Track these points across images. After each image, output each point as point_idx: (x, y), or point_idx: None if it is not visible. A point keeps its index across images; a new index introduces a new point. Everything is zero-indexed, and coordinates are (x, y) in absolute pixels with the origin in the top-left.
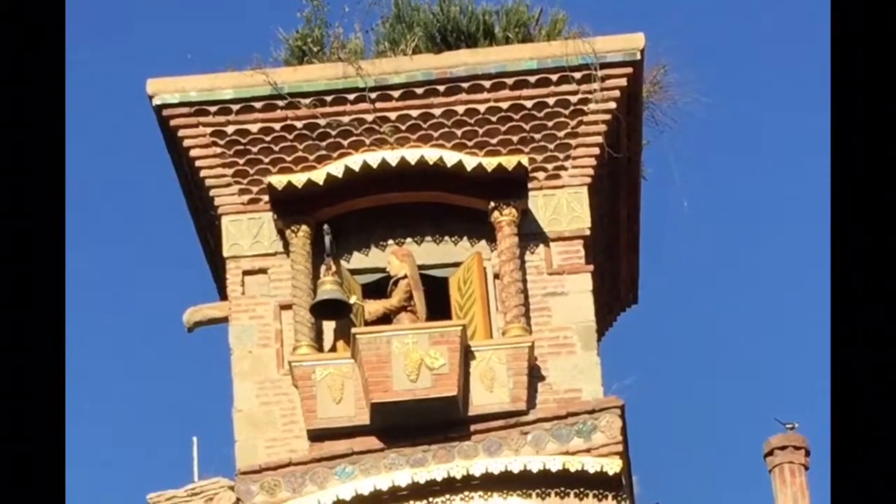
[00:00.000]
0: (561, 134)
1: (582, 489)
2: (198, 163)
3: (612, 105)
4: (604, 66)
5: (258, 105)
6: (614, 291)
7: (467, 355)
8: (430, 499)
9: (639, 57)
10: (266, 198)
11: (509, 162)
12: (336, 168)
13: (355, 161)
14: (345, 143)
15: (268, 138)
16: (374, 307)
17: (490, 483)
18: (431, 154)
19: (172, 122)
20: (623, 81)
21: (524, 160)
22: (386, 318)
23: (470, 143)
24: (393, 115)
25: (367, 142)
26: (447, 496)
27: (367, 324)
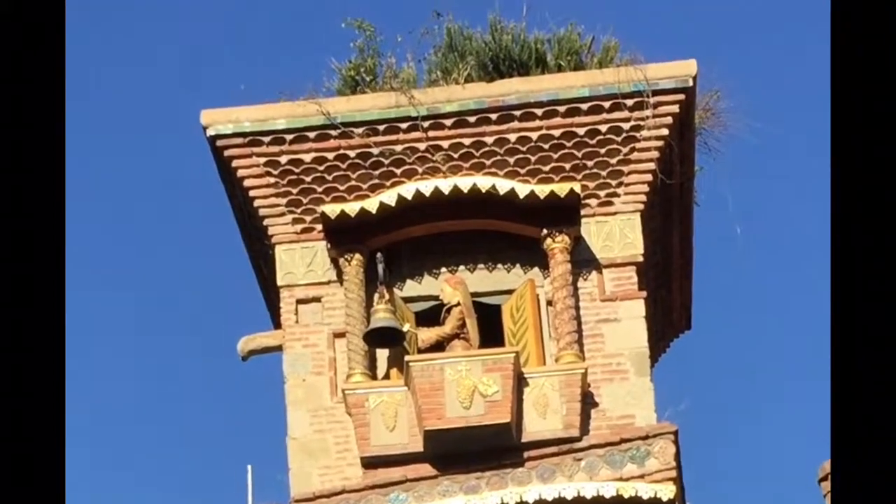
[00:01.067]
0: (613, 161)
1: None
2: (251, 192)
3: (665, 132)
4: (656, 92)
5: (311, 135)
6: (667, 317)
7: (520, 382)
8: None
9: (691, 83)
10: (319, 227)
11: (562, 189)
12: (389, 197)
13: (408, 189)
14: (397, 171)
15: (321, 168)
16: (427, 335)
17: None
18: (484, 182)
19: (226, 153)
20: (675, 108)
21: (577, 187)
22: (439, 346)
23: (522, 171)
24: (445, 144)
25: (420, 170)
26: None
27: (420, 351)
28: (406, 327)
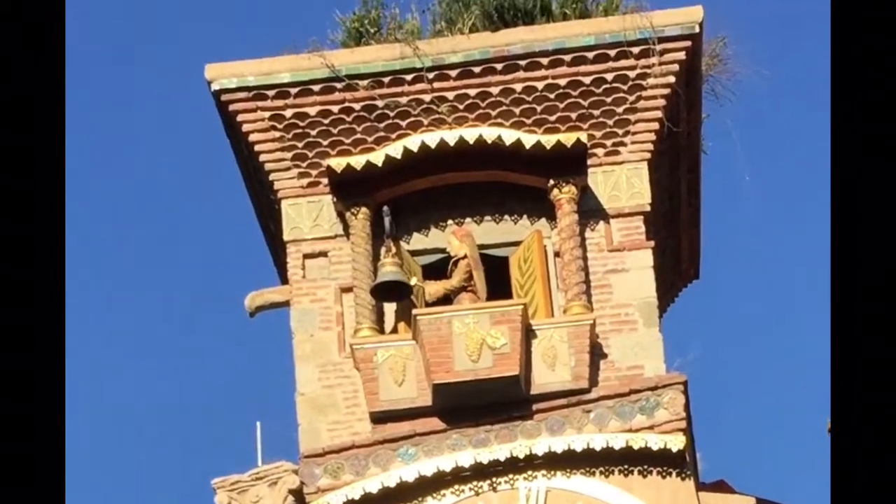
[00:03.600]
0: (620, 110)
1: (646, 466)
2: (257, 147)
3: (672, 79)
4: (662, 40)
5: (316, 88)
6: (676, 267)
7: (528, 334)
8: (494, 479)
9: (697, 30)
10: (325, 181)
11: (568, 139)
12: (394, 149)
13: (414, 142)
14: (403, 123)
15: (326, 121)
16: (434, 288)
17: (553, 462)
18: (490, 133)
19: (231, 107)
20: (682, 55)
21: (583, 137)
22: (447, 299)
23: (528, 121)
24: (451, 95)
25: (426, 122)
26: (510, 476)
27: (427, 305)
28: (413, 281)
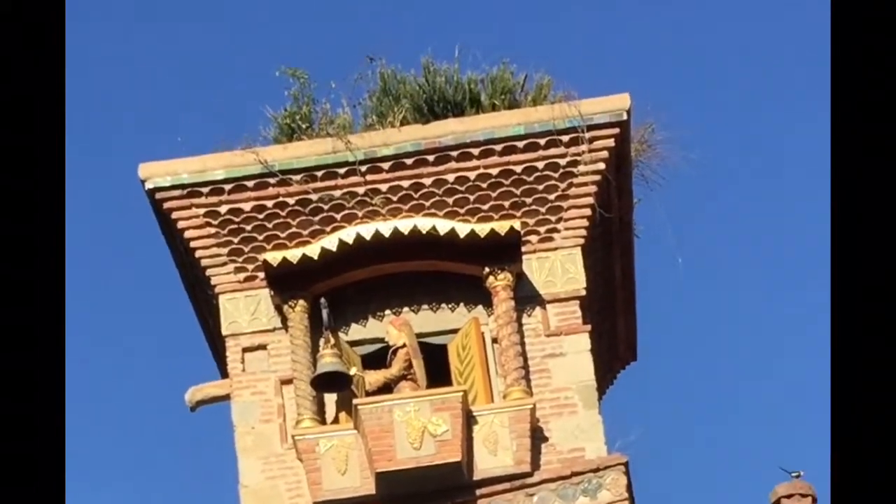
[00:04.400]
0: (552, 197)
1: None
2: (192, 244)
3: (602, 166)
4: (591, 127)
5: (250, 184)
6: (613, 350)
7: (469, 420)
8: None
9: (625, 117)
10: (262, 275)
11: (502, 227)
12: (330, 242)
13: (349, 234)
14: (338, 216)
15: (261, 216)
16: (374, 377)
17: None
18: (424, 223)
19: (166, 205)
20: (611, 142)
21: (516, 225)
22: (387, 388)
23: (462, 211)
24: (384, 187)
25: (360, 214)
26: None
27: (368, 394)
28: (353, 371)
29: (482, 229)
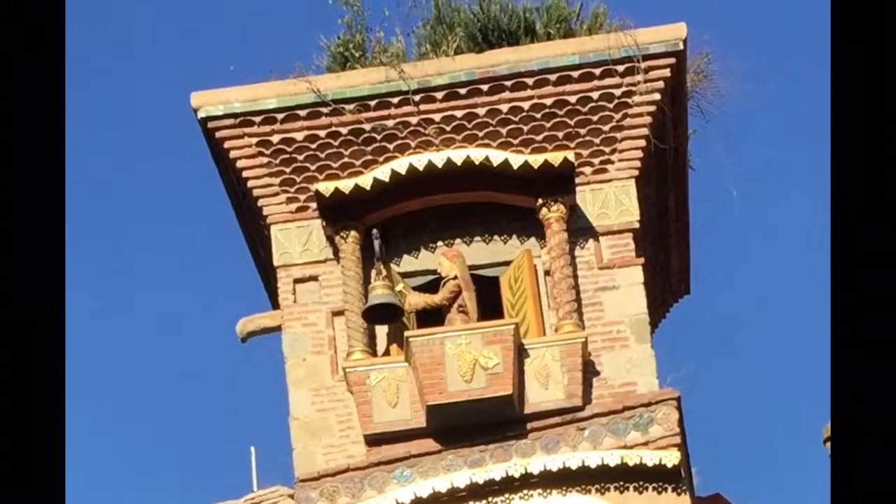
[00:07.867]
0: (606, 128)
1: (641, 483)
2: (245, 173)
3: (657, 96)
4: (646, 57)
5: (302, 113)
6: (666, 283)
7: (521, 353)
8: (490, 498)
9: (681, 47)
10: (314, 205)
11: (555, 158)
12: (383, 172)
13: (401, 164)
14: (390, 146)
15: (313, 146)
16: (415, 299)
17: (549, 480)
18: (477, 154)
19: (218, 134)
20: (667, 72)
21: (570, 156)
22: (427, 314)
23: (515, 142)
24: (437, 117)
25: (413, 144)
26: (506, 495)
27: (406, 315)
28: (399, 286)
29: (535, 160)
